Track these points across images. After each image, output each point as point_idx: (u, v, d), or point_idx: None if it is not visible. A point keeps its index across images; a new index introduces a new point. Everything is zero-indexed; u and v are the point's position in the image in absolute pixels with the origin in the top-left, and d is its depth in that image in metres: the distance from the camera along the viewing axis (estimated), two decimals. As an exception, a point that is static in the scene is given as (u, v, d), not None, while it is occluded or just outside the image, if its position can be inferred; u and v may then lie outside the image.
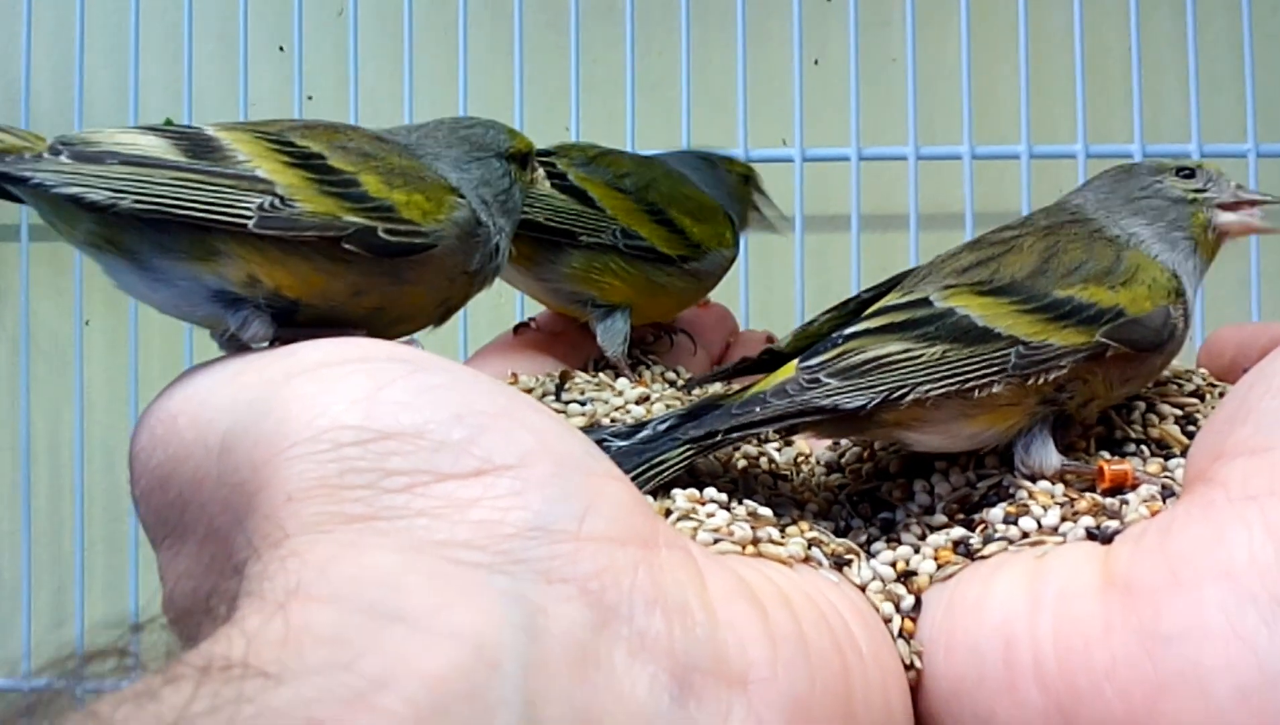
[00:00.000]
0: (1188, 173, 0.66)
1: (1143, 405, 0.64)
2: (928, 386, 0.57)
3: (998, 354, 0.58)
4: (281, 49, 1.22)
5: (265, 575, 0.39)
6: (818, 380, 0.58)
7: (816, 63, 1.19)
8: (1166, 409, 0.64)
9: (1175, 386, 0.67)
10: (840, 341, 0.60)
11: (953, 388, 0.57)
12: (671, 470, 0.57)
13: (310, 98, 1.18)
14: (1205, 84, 1.06)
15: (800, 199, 1.07)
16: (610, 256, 0.80)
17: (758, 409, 0.58)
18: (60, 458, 1.25)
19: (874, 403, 0.57)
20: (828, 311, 0.67)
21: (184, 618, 0.48)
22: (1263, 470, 0.46)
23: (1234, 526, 0.44)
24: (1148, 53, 1.07)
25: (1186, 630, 0.43)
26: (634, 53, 1.09)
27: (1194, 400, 0.65)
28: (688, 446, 0.58)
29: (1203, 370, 0.69)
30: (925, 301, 0.61)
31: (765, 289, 1.14)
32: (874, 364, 0.58)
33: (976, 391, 0.57)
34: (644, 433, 0.60)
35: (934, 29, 1.13)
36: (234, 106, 1.12)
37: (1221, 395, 0.64)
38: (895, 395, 0.57)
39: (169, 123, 1.22)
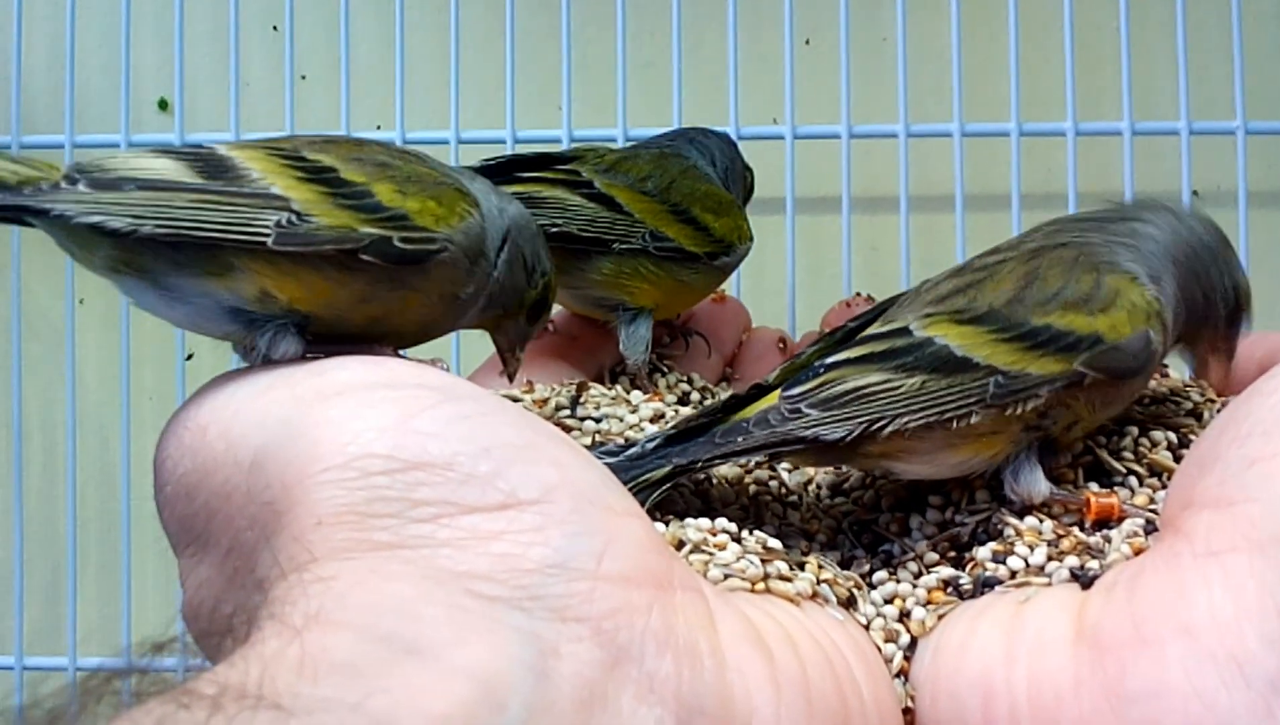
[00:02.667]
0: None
1: (1135, 430, 0.64)
2: (906, 417, 0.57)
3: (976, 384, 0.58)
4: (275, 29, 1.22)
5: (288, 599, 0.39)
6: (799, 410, 0.58)
7: (808, 42, 1.19)
8: (1159, 434, 0.63)
9: (1172, 405, 0.66)
10: (821, 371, 0.60)
11: (932, 418, 0.57)
12: (657, 492, 0.58)
13: (304, 78, 1.17)
14: (1194, 62, 1.06)
15: (791, 177, 1.08)
16: (640, 260, 0.81)
17: (740, 438, 0.58)
18: (53, 437, 1.25)
19: (854, 434, 0.57)
20: (815, 342, 0.67)
21: (203, 625, 0.49)
22: (1225, 526, 0.46)
23: (1196, 583, 0.45)
24: (1137, 30, 1.07)
25: (1150, 689, 0.43)
26: (625, 33, 1.09)
27: (1190, 421, 0.65)
28: (672, 469, 0.58)
29: (1201, 383, 0.69)
30: (905, 331, 0.61)
31: (757, 267, 1.14)
32: (854, 395, 0.58)
33: (956, 421, 0.58)
34: (633, 451, 0.60)
35: (925, 9, 1.12)
36: (226, 87, 1.11)
37: (1219, 411, 0.63)
38: (875, 426, 0.57)
39: (163, 104, 1.23)
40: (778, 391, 0.61)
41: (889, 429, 0.57)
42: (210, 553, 0.49)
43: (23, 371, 1.15)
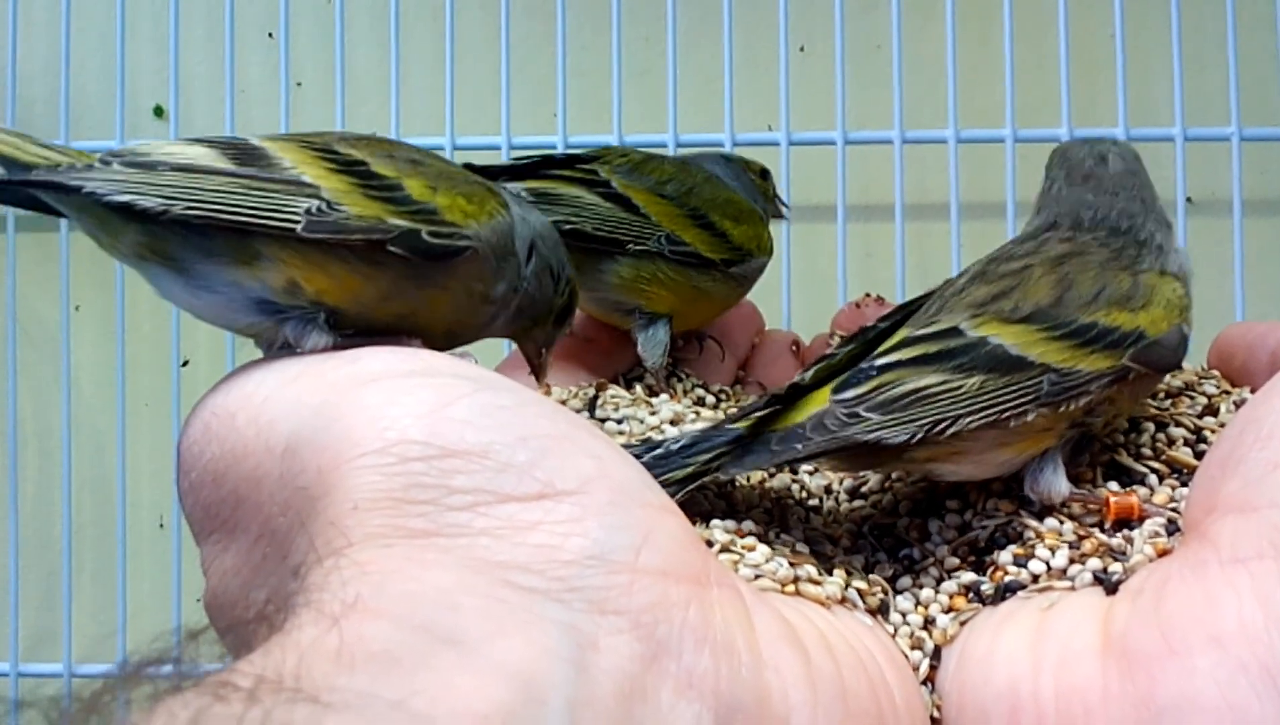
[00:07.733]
0: None
1: (1152, 427, 0.64)
2: (969, 418, 0.57)
3: (1031, 382, 0.58)
4: (270, 35, 1.22)
5: (325, 585, 0.39)
6: (857, 414, 0.57)
7: (802, 49, 1.19)
8: (1176, 431, 0.63)
9: (1188, 399, 0.66)
10: (874, 373, 0.59)
11: (991, 418, 0.57)
12: (681, 492, 0.57)
13: (299, 84, 1.18)
14: (1189, 67, 1.06)
15: (786, 184, 1.07)
16: (657, 264, 0.80)
17: (799, 446, 0.57)
18: (49, 443, 1.25)
19: (918, 437, 0.57)
20: (846, 343, 0.66)
21: (232, 613, 0.48)
22: (1250, 532, 0.46)
23: (1223, 591, 0.44)
24: (1132, 36, 1.08)
25: (1180, 701, 0.43)
26: (621, 39, 1.09)
27: (1207, 416, 0.65)
28: (695, 470, 0.57)
29: (1215, 373, 0.69)
30: (956, 331, 0.60)
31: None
32: (915, 397, 0.57)
33: (1012, 420, 0.57)
34: (658, 451, 0.59)
35: (919, 15, 1.13)
36: (222, 93, 1.12)
37: (1237, 404, 0.64)
38: (938, 428, 0.57)
39: (159, 110, 1.23)
40: (825, 393, 0.59)
41: (952, 430, 0.57)
42: (238, 539, 0.48)
43: (18, 377, 1.15)
